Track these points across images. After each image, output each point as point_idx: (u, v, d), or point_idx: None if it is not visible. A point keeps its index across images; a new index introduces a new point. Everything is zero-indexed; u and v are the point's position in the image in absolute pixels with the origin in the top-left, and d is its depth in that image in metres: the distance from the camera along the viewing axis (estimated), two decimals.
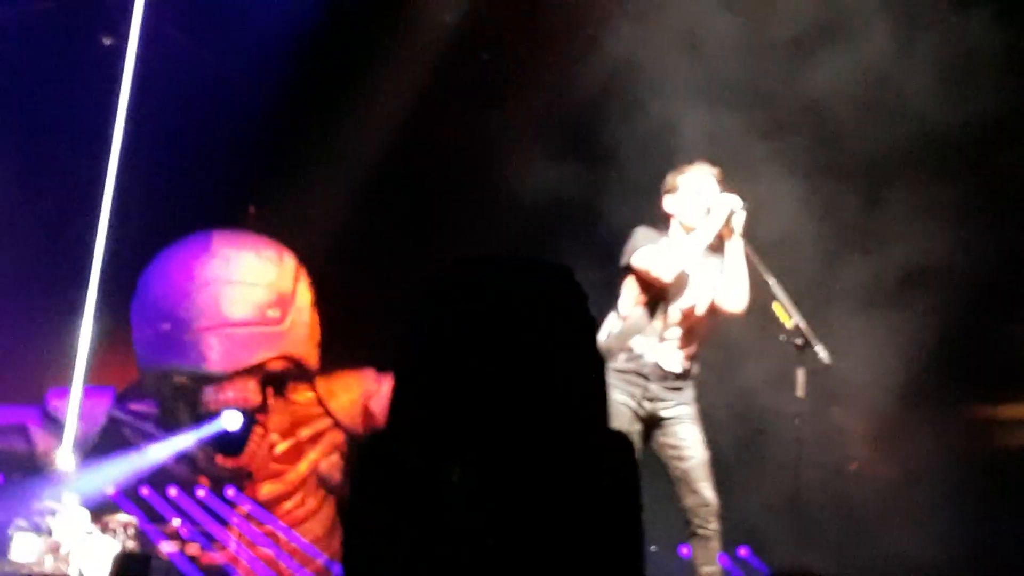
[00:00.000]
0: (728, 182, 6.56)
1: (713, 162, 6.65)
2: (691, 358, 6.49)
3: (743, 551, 11.77)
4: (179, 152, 13.80)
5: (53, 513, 12.84)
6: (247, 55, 13.72)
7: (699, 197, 6.48)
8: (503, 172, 11.80)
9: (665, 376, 6.38)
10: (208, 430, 14.28)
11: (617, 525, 2.40)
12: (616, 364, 6.34)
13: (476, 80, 12.77)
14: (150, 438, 14.58)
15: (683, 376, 6.47)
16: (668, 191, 6.61)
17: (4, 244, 13.12)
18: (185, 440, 14.31)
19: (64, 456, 13.95)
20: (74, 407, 14.20)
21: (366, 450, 2.48)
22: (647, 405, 6.37)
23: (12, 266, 13.18)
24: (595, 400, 2.55)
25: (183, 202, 14.19)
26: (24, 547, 12.57)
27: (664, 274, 6.23)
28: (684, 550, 10.82)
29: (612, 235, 7.18)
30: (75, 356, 14.11)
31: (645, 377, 6.35)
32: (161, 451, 14.39)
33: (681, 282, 6.35)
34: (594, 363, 2.57)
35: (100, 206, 13.88)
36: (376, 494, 2.39)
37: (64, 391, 14.35)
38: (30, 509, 12.93)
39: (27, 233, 13.35)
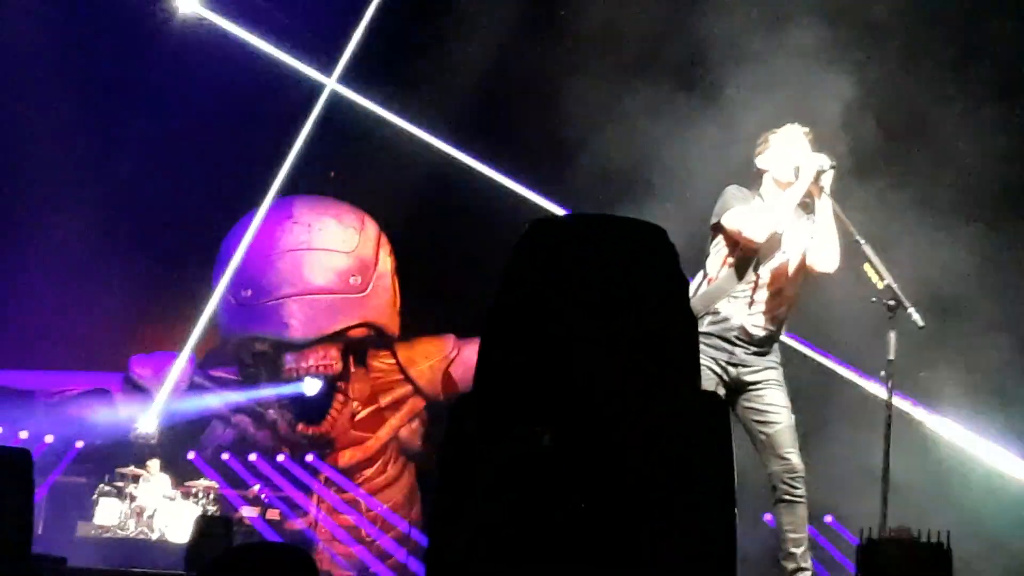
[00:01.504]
0: (817, 143, 6.47)
1: (804, 123, 6.56)
2: (778, 322, 6.38)
3: (828, 519, 11.66)
4: (258, 119, 13.82)
5: (136, 478, 13.00)
6: (323, 19, 13.70)
7: (791, 154, 6.38)
8: (590, 132, 11.63)
9: (751, 340, 6.27)
10: (289, 394, 14.38)
11: (708, 487, 2.34)
12: (702, 327, 6.23)
13: (556, 37, 12.60)
14: (231, 404, 14.69)
15: (768, 339, 6.36)
16: (761, 149, 6.52)
17: (84, 215, 13.21)
18: (265, 395, 14.46)
19: (146, 421, 14.09)
20: (157, 373, 14.34)
21: (456, 414, 2.42)
22: (732, 370, 6.25)
23: (93, 236, 13.26)
24: (687, 360, 2.49)
25: (263, 168, 14.23)
26: (108, 510, 12.76)
27: (757, 235, 6.11)
28: (768, 517, 10.79)
29: (699, 197, 7.08)
30: (157, 322, 14.26)
31: (730, 341, 6.23)
32: (241, 396, 14.56)
33: (772, 242, 6.24)
34: (687, 323, 2.52)
35: (177, 173, 14.00)
36: (466, 459, 2.34)
37: (147, 357, 14.50)
38: (114, 474, 13.11)
39: (106, 202, 13.43)
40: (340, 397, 14.68)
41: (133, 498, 12.85)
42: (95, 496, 12.89)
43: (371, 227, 14.78)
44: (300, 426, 14.54)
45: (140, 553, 11.89)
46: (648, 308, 2.40)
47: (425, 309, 14.75)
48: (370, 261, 14.60)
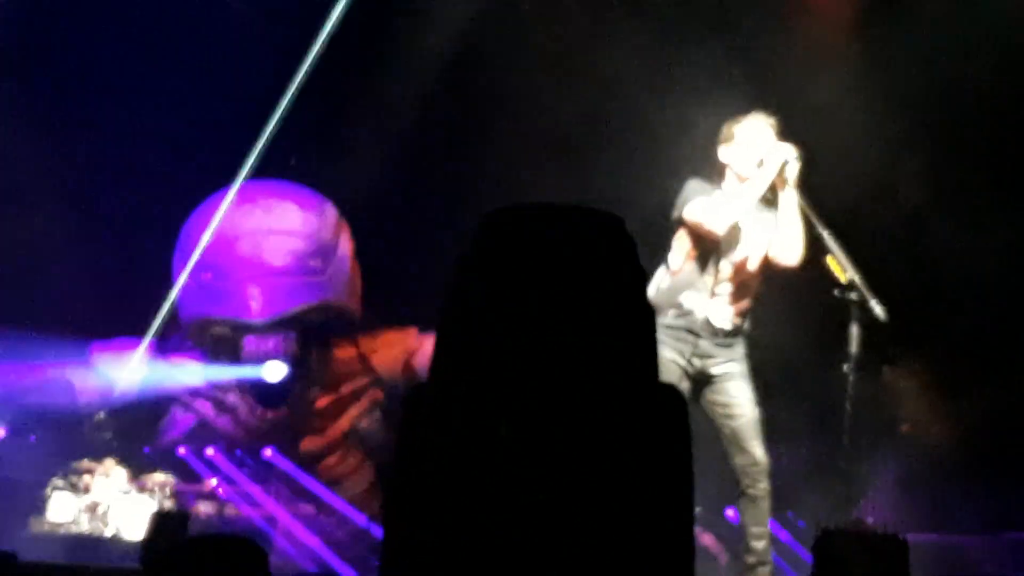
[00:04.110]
0: (783, 132, 6.44)
1: (769, 112, 6.52)
2: (742, 314, 6.38)
3: (789, 514, 11.66)
4: (219, 102, 13.72)
5: (90, 472, 12.90)
6: (287, 4, 13.63)
7: (755, 147, 6.36)
8: (549, 121, 11.60)
9: (716, 332, 6.27)
10: (248, 377, 14.31)
11: (666, 482, 2.31)
12: (666, 320, 6.23)
13: (521, 27, 12.56)
14: (191, 390, 14.62)
15: (734, 332, 6.36)
16: (723, 141, 6.49)
17: (45, 202, 13.10)
18: (226, 376, 14.38)
19: (104, 413, 13.99)
20: (115, 360, 14.24)
21: (410, 404, 2.38)
22: (697, 362, 6.25)
23: (56, 224, 13.15)
24: (644, 353, 2.45)
25: (223, 153, 14.13)
26: (61, 506, 12.62)
27: (717, 227, 6.11)
28: (730, 512, 10.78)
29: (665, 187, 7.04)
30: (117, 309, 14.14)
31: (695, 333, 6.23)
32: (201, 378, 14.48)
33: (734, 235, 6.23)
34: (643, 315, 2.48)
35: (136, 158, 13.89)
36: (420, 450, 2.30)
37: (108, 343, 14.40)
38: (68, 468, 12.99)
39: (63, 189, 13.31)
40: (301, 382, 14.64)
41: (87, 492, 12.75)
42: (48, 491, 12.74)
43: (331, 211, 14.76)
44: (260, 411, 14.48)
45: (94, 549, 11.81)
46: (604, 299, 2.37)
47: (388, 302, 14.73)
48: (330, 244, 14.58)
